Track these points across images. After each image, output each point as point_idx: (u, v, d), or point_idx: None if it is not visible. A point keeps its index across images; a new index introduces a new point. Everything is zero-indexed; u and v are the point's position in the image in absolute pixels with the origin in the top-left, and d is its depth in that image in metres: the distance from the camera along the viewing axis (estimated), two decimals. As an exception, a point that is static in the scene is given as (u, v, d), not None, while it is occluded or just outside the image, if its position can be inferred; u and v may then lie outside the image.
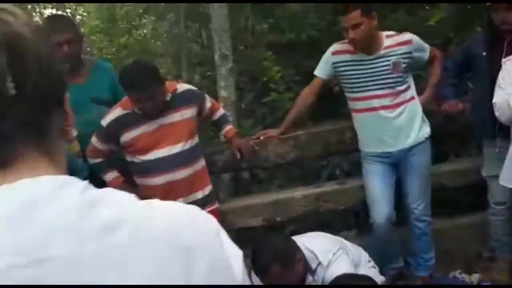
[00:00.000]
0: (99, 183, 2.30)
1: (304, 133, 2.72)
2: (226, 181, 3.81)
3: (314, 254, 1.86)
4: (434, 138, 2.51)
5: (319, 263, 1.85)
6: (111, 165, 2.33)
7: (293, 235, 3.02)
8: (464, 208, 2.86)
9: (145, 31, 11.46)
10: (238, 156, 2.55)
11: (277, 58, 4.15)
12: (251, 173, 3.58)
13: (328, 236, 2.04)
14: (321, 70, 2.57)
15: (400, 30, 2.57)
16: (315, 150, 2.71)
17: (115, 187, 2.28)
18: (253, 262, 1.82)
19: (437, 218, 2.64)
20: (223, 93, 4.00)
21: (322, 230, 3.07)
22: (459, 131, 2.86)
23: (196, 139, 2.34)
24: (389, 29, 2.51)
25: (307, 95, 2.65)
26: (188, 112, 2.27)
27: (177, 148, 2.22)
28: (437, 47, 2.72)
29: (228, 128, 2.55)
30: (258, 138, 2.72)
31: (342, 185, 2.77)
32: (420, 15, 3.96)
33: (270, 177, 3.95)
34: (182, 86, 2.33)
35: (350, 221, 3.04)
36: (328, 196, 2.70)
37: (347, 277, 1.67)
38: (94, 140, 2.24)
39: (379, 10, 2.52)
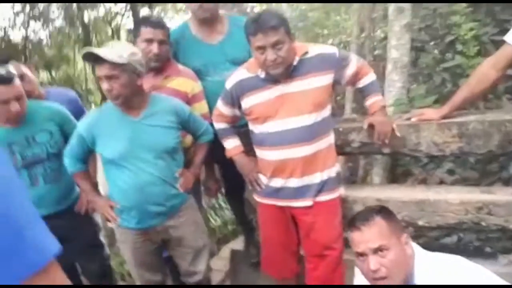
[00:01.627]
0: (221, 148, 2.20)
1: (476, 120, 2.01)
2: (380, 159, 3.32)
3: (423, 273, 1.37)
4: None
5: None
6: (234, 132, 2.18)
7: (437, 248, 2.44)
8: None
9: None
10: (376, 137, 2.07)
11: (472, 12, 3.23)
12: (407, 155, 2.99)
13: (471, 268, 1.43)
14: None
15: None
16: (488, 145, 1.99)
17: (233, 155, 2.14)
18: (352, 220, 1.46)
19: None
20: (393, 53, 3.40)
21: (479, 248, 2.37)
22: None
23: (325, 113, 1.96)
24: None
25: (488, 69, 1.92)
26: (318, 80, 1.89)
27: (298, 121, 1.90)
28: None
29: (375, 99, 2.04)
30: (410, 118, 2.15)
31: (522, 196, 2.00)
32: None
33: (438, 159, 3.26)
34: (315, 49, 1.94)
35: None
36: (497, 207, 1.99)
37: None
38: (219, 103, 2.11)
39: None
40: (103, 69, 1.77)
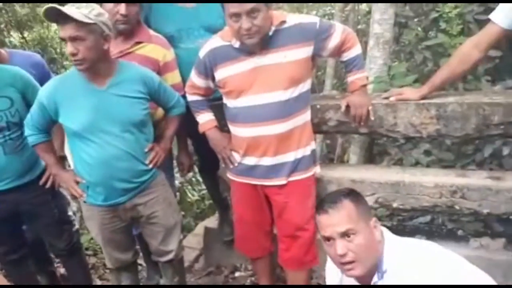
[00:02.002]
0: (194, 122, 2.11)
1: (455, 102, 1.98)
2: (358, 137, 3.30)
3: (392, 259, 1.34)
4: None
5: (385, 271, 1.33)
6: (207, 106, 2.09)
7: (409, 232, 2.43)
8: None
9: None
10: (351, 118, 2.02)
11: (458, -11, 3.16)
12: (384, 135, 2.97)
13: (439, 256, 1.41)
14: (503, 15, 1.75)
15: None
16: (465, 128, 1.96)
17: (206, 131, 2.06)
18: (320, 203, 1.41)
19: None
20: (376, 28, 3.32)
21: (451, 231, 2.39)
22: None
23: (303, 88, 1.87)
24: None
25: (470, 49, 1.87)
26: (295, 53, 1.79)
27: (273, 96, 1.82)
28: None
29: (356, 77, 1.95)
30: (389, 98, 2.10)
31: (496, 181, 1.99)
32: None
33: (415, 140, 3.25)
34: (293, 19, 1.81)
35: (496, 228, 2.26)
36: (471, 191, 1.99)
37: None
38: (192, 73, 2.00)
39: None
40: (68, 29, 1.63)
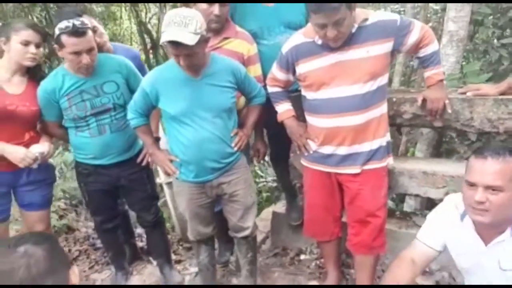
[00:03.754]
0: (270, 113, 2.27)
1: (534, 98, 1.99)
2: (426, 135, 3.31)
3: None
4: None
5: None
6: (286, 96, 2.25)
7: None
8: None
9: None
10: (427, 112, 2.08)
11: (540, -15, 3.08)
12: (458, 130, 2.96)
13: None
14: None
15: None
16: (545, 125, 1.97)
17: (284, 119, 2.22)
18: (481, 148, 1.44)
19: None
20: (450, 25, 3.32)
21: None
22: None
23: (381, 81, 1.97)
24: None
25: (554, 46, 1.88)
26: (377, 49, 1.90)
27: (352, 89, 1.93)
28: None
29: (433, 72, 2.02)
30: (465, 93, 2.14)
31: None
32: None
33: (486, 139, 3.22)
34: (375, 16, 1.92)
35: None
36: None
37: None
38: (273, 67, 2.17)
39: None
40: (182, 49, 1.83)
